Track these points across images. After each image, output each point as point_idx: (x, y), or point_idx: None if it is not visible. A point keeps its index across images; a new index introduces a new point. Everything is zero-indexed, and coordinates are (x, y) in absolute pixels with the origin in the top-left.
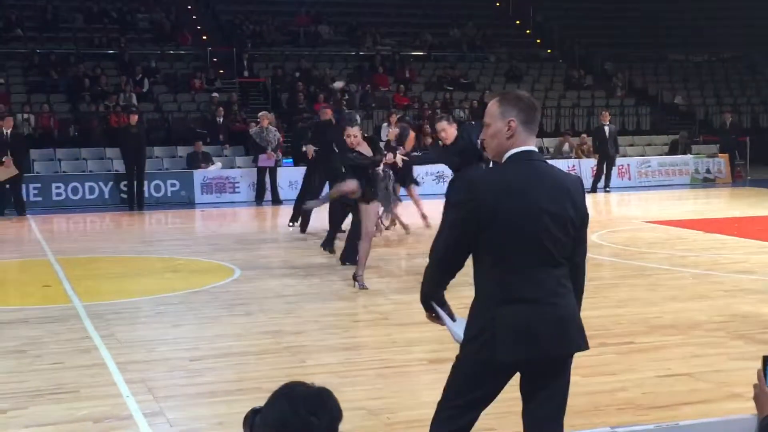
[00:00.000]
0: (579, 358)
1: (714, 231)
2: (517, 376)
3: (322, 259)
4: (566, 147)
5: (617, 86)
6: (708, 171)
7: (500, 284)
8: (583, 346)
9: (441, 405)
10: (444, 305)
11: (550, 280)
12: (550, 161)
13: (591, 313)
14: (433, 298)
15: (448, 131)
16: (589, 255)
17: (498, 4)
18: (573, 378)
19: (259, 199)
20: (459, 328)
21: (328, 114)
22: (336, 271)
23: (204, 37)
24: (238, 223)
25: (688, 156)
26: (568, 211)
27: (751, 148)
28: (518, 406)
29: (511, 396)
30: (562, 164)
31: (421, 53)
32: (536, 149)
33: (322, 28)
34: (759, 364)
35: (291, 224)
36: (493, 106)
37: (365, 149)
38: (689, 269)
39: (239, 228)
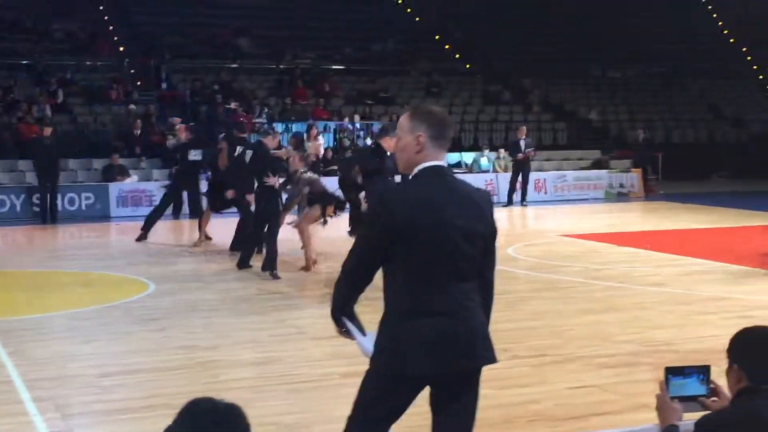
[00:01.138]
0: (492, 371)
1: (627, 244)
2: (428, 389)
3: (238, 274)
4: (484, 161)
5: (534, 102)
6: (622, 186)
7: (410, 298)
8: (492, 359)
9: (351, 419)
10: (354, 319)
11: (460, 294)
12: (467, 175)
13: (505, 325)
14: (342, 311)
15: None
16: (504, 268)
17: (418, 18)
18: (486, 391)
19: (176, 213)
20: (369, 342)
21: (182, 132)
22: (252, 286)
23: (121, 48)
24: (154, 236)
25: (603, 171)
26: (478, 226)
27: (664, 163)
28: (429, 419)
29: (423, 410)
30: (479, 178)
31: (342, 67)
32: (445, 164)
33: (242, 41)
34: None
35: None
36: (403, 120)
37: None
38: (603, 282)
39: (155, 242)
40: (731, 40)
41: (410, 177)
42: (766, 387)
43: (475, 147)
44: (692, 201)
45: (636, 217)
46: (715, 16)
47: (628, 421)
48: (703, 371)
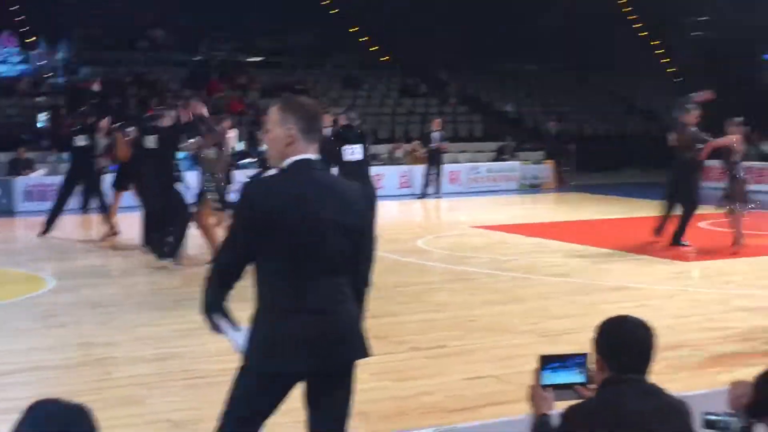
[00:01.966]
0: (389, 363)
1: (536, 235)
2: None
3: (141, 269)
4: (399, 153)
5: (451, 94)
6: (534, 177)
7: (281, 293)
8: (365, 354)
9: (224, 417)
10: (225, 315)
11: (332, 288)
12: (383, 167)
13: (408, 317)
14: (212, 308)
15: None
16: (413, 260)
17: (336, 10)
18: (381, 383)
19: (84, 207)
20: (241, 337)
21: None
22: (157, 281)
23: (32, 39)
24: (59, 231)
25: (516, 162)
26: (348, 219)
27: (576, 154)
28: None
29: (298, 406)
30: (394, 170)
31: (258, 59)
32: (317, 157)
33: (157, 32)
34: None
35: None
36: (273, 112)
37: None
38: (509, 273)
39: (60, 236)
40: (642, 35)
41: (279, 170)
42: (628, 377)
43: (391, 139)
44: (603, 192)
45: (547, 209)
46: (629, 9)
47: (521, 410)
48: (580, 359)
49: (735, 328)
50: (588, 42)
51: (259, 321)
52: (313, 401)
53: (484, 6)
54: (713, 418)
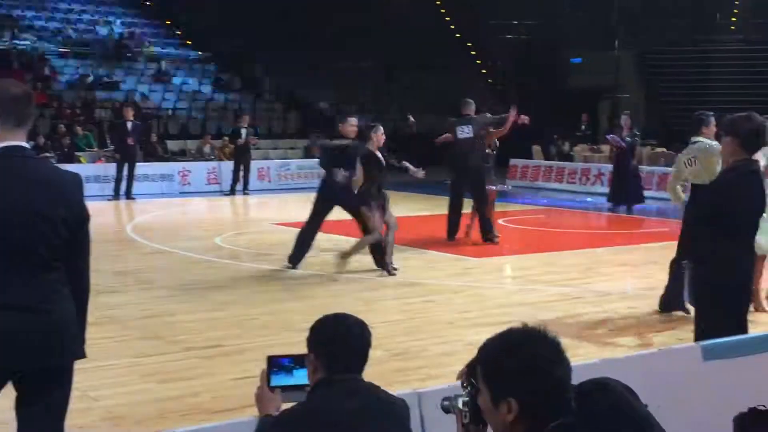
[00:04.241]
0: (158, 365)
1: (338, 232)
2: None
3: None
4: (207, 149)
5: (266, 90)
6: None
7: None
8: (79, 354)
9: None
10: None
11: (43, 285)
12: (194, 163)
13: (186, 317)
14: None
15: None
16: (205, 257)
17: (149, 3)
18: (146, 385)
19: None
20: None
21: None
22: None
23: None
24: None
25: None
26: (61, 211)
27: (389, 151)
28: None
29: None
30: (202, 166)
31: (64, 50)
32: (25, 145)
33: None
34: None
35: None
36: None
37: None
38: (302, 270)
39: None
40: (457, 36)
41: None
42: (341, 377)
43: (203, 134)
44: (409, 189)
45: None
46: (443, 11)
47: None
48: (305, 360)
49: (509, 322)
50: (403, 41)
51: None
52: (23, 403)
53: (300, 2)
54: (446, 404)
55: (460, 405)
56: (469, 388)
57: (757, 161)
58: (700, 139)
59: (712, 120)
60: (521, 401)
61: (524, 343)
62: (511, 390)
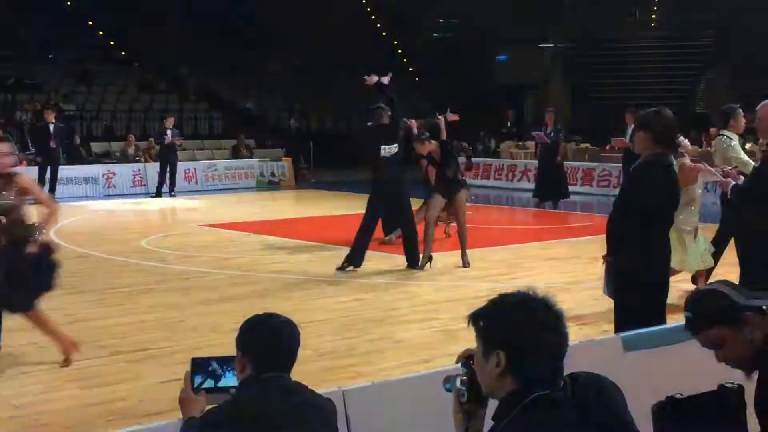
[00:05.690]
0: (84, 370)
1: (264, 233)
2: None
3: None
4: (132, 150)
5: (191, 91)
6: (273, 174)
7: None
8: None
9: None
10: None
11: None
12: (117, 165)
13: (114, 321)
14: None
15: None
16: (132, 260)
17: (69, 3)
18: (72, 391)
19: None
20: None
21: None
22: None
23: None
24: None
25: (254, 160)
26: None
27: (315, 151)
28: None
29: None
30: (127, 168)
31: None
32: None
33: None
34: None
35: None
36: None
37: None
38: (228, 271)
39: None
40: (383, 34)
41: None
42: (269, 375)
43: (127, 136)
44: (341, 189)
45: (282, 206)
46: (369, 10)
47: None
48: (230, 363)
49: (438, 319)
50: (332, 40)
51: None
52: None
53: (224, 3)
54: (447, 385)
55: (458, 384)
56: (465, 369)
57: (670, 155)
58: (727, 133)
59: (740, 112)
60: (509, 355)
61: (525, 302)
62: (501, 341)
